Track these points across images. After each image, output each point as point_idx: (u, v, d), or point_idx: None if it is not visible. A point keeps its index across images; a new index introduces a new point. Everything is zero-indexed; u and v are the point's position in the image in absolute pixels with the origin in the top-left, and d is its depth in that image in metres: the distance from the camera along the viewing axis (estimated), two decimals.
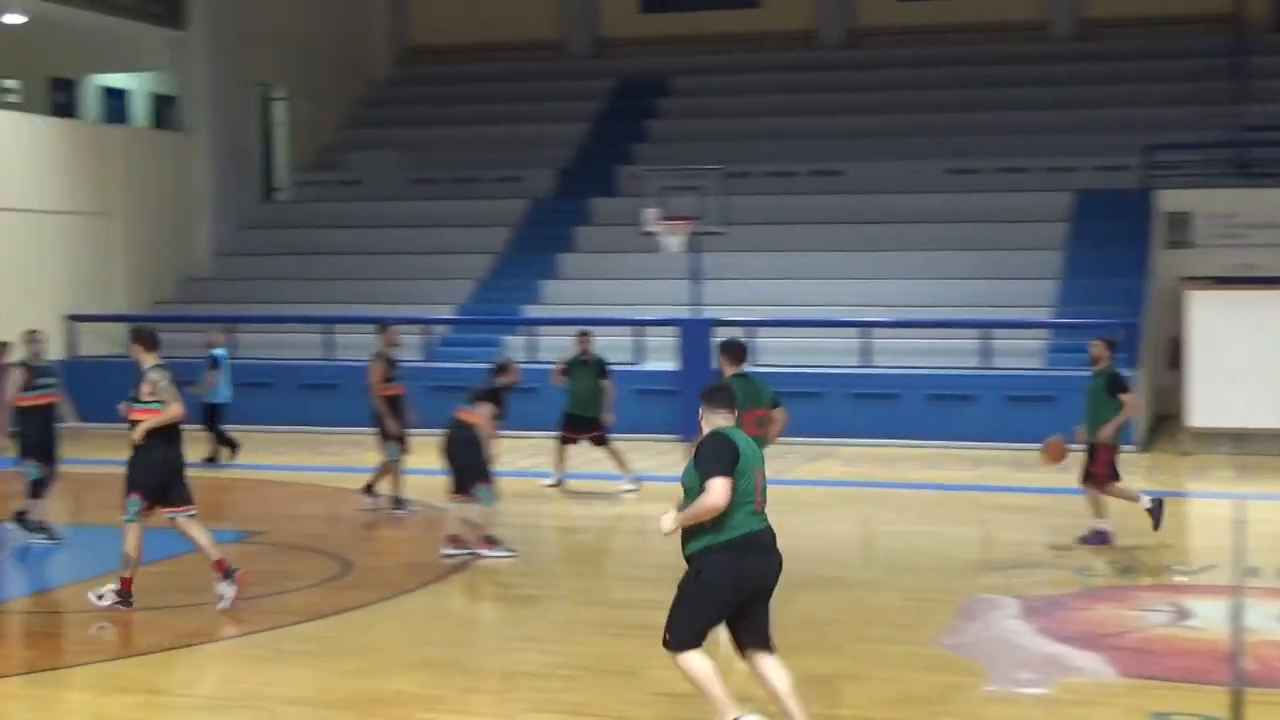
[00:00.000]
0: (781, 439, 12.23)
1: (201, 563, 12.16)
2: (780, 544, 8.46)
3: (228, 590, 11.91)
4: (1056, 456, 14.79)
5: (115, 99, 32.70)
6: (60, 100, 31.35)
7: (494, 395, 14.17)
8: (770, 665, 8.41)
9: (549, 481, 18.59)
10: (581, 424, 18.62)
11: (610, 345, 24.49)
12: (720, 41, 34.88)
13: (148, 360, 11.96)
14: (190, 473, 12.26)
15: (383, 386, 15.88)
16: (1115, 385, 14.73)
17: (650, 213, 23.16)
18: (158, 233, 29.19)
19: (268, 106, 33.64)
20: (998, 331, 23.75)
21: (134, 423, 11.88)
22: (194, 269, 30.33)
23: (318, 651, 11.03)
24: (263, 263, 30.22)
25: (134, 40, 29.96)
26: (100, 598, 11.89)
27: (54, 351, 20.62)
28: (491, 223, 30.27)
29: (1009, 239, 26.88)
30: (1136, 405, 16.47)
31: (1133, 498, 14.85)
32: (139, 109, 33.17)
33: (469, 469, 14.01)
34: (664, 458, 20.35)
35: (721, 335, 21.26)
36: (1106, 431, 14.53)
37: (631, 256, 27.05)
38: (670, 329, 23.84)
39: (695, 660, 8.31)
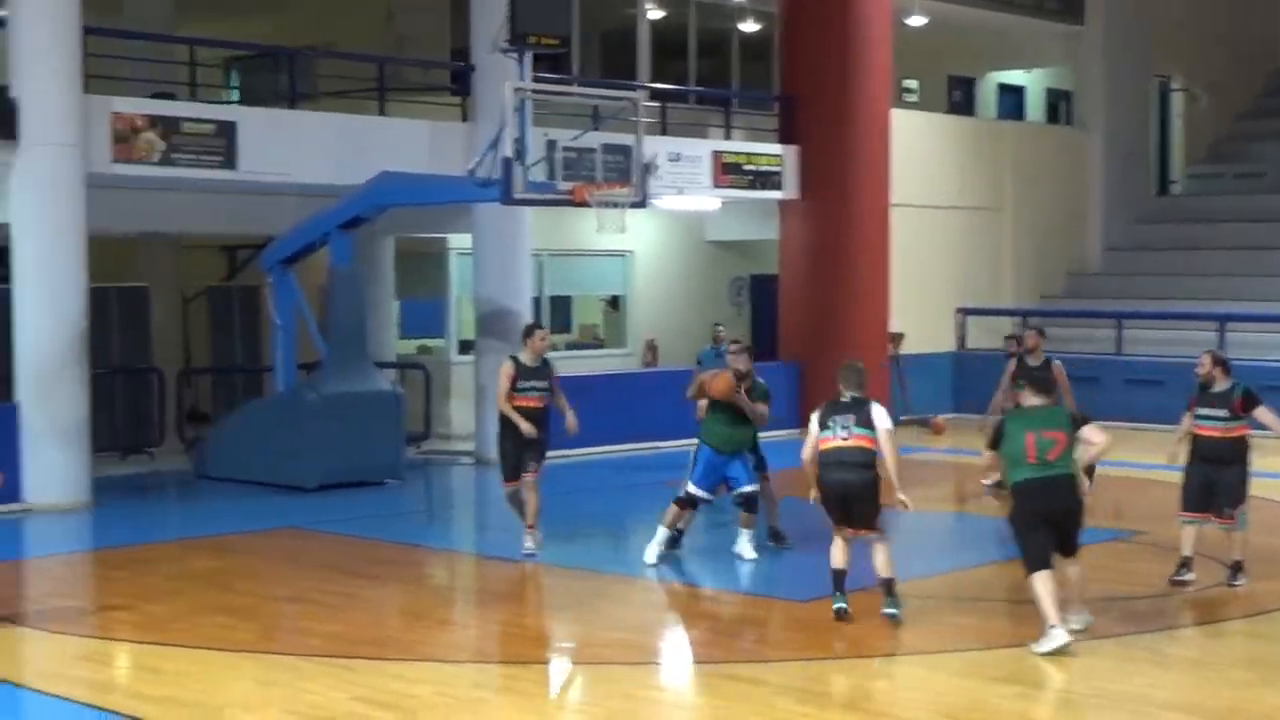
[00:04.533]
0: None
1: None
2: None
3: None
4: None
5: (1010, 95, 33.16)
6: (957, 98, 32.17)
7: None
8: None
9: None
10: None
11: None
12: None
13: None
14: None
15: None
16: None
17: None
18: (1047, 228, 29.33)
19: (1165, 99, 33.01)
20: None
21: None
22: (1083, 264, 30.24)
23: (1199, 659, 10.68)
24: (1154, 258, 29.68)
25: (1032, 37, 30.29)
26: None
27: (943, 344, 21.04)
28: None
29: None
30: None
31: None
32: (1034, 105, 33.46)
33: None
34: None
35: None
36: None
37: None
38: None
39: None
